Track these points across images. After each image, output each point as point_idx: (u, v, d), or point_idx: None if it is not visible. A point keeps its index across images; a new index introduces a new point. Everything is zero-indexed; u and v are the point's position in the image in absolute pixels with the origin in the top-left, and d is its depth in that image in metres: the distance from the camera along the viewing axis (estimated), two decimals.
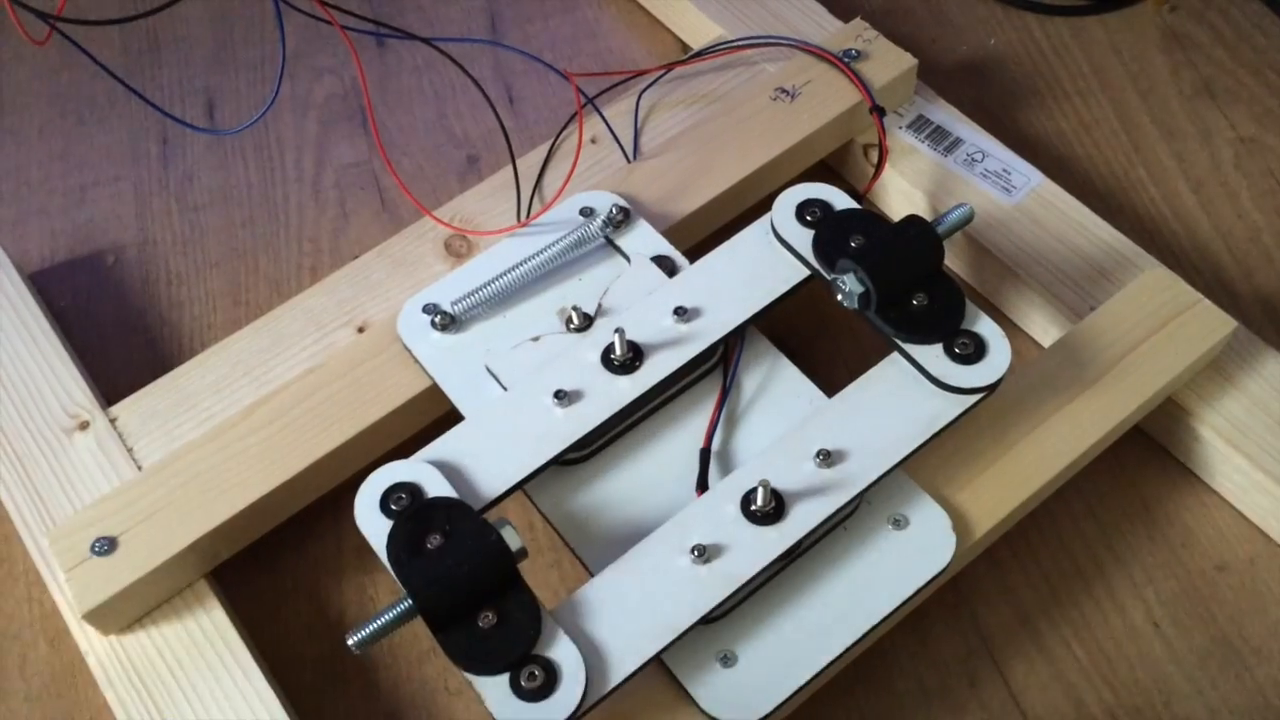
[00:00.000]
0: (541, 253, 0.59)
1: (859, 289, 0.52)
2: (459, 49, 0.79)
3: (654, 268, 0.58)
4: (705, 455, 0.53)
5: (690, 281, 0.56)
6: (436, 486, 0.49)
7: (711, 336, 0.54)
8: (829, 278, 0.54)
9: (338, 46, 0.79)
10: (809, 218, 0.57)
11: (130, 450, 0.58)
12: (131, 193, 0.74)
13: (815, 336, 0.65)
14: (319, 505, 0.58)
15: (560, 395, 0.52)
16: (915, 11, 0.82)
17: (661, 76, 0.71)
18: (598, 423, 0.52)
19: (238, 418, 0.57)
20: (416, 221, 0.66)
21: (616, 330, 0.53)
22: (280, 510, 0.56)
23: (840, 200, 0.57)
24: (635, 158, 0.67)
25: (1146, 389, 0.55)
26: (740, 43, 0.71)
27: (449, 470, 0.50)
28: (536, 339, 0.56)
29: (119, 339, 0.68)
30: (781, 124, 0.66)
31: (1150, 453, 0.60)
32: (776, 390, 0.56)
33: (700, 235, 0.65)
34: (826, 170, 0.72)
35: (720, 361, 0.57)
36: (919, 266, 0.53)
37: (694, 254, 0.60)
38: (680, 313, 0.54)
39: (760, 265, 0.56)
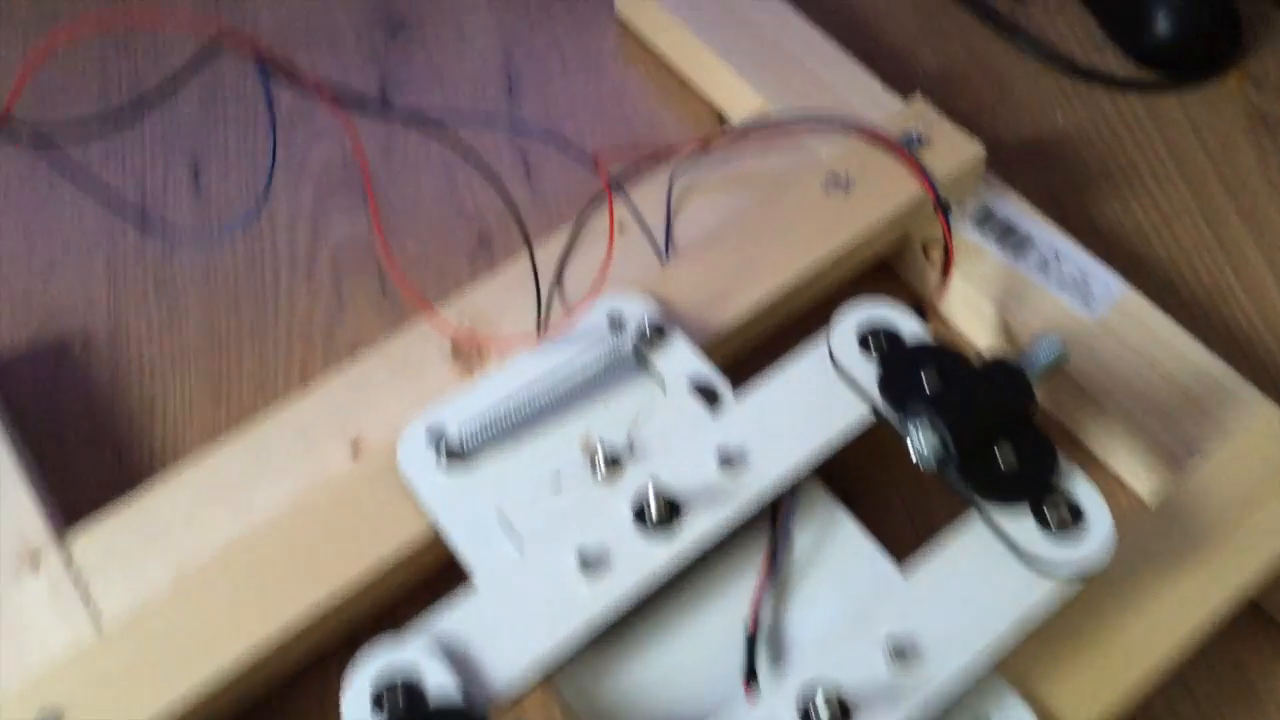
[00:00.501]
0: (563, 378, 0.51)
1: (936, 447, 0.44)
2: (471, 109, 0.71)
3: (693, 398, 0.51)
4: (751, 643, 0.45)
5: (737, 419, 0.49)
6: (438, 679, 0.41)
7: (763, 492, 0.47)
8: (898, 423, 0.47)
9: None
10: (872, 346, 0.49)
11: (88, 594, 0.50)
12: (104, 269, 0.67)
13: (867, 465, 0.57)
14: (301, 669, 0.51)
15: (586, 563, 0.45)
16: (973, 82, 0.74)
17: (696, 154, 0.63)
18: (630, 598, 0.44)
19: (210, 566, 0.49)
20: (420, 315, 0.58)
21: (650, 480, 0.45)
22: (255, 680, 0.49)
23: (908, 326, 0.50)
24: (668, 250, 0.59)
25: (1269, 561, 0.48)
26: (788, 119, 0.64)
27: (455, 655, 0.42)
28: (557, 485, 0.49)
29: (83, 443, 0.60)
30: (834, 217, 0.59)
31: (1258, 622, 0.53)
32: (834, 552, 0.48)
33: (742, 345, 0.58)
34: (883, 270, 0.64)
35: (770, 513, 0.49)
36: (1006, 419, 0.45)
37: (734, 370, 0.53)
38: (726, 460, 0.47)
39: (817, 400, 0.49)
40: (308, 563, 0.49)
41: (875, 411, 0.48)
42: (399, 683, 0.41)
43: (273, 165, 0.62)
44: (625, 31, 0.76)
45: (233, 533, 0.52)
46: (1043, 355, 0.48)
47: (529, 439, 0.51)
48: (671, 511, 0.46)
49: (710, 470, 0.47)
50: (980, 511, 0.45)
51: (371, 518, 0.50)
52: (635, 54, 0.75)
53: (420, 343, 0.58)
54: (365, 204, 0.67)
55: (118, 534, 0.52)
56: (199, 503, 0.53)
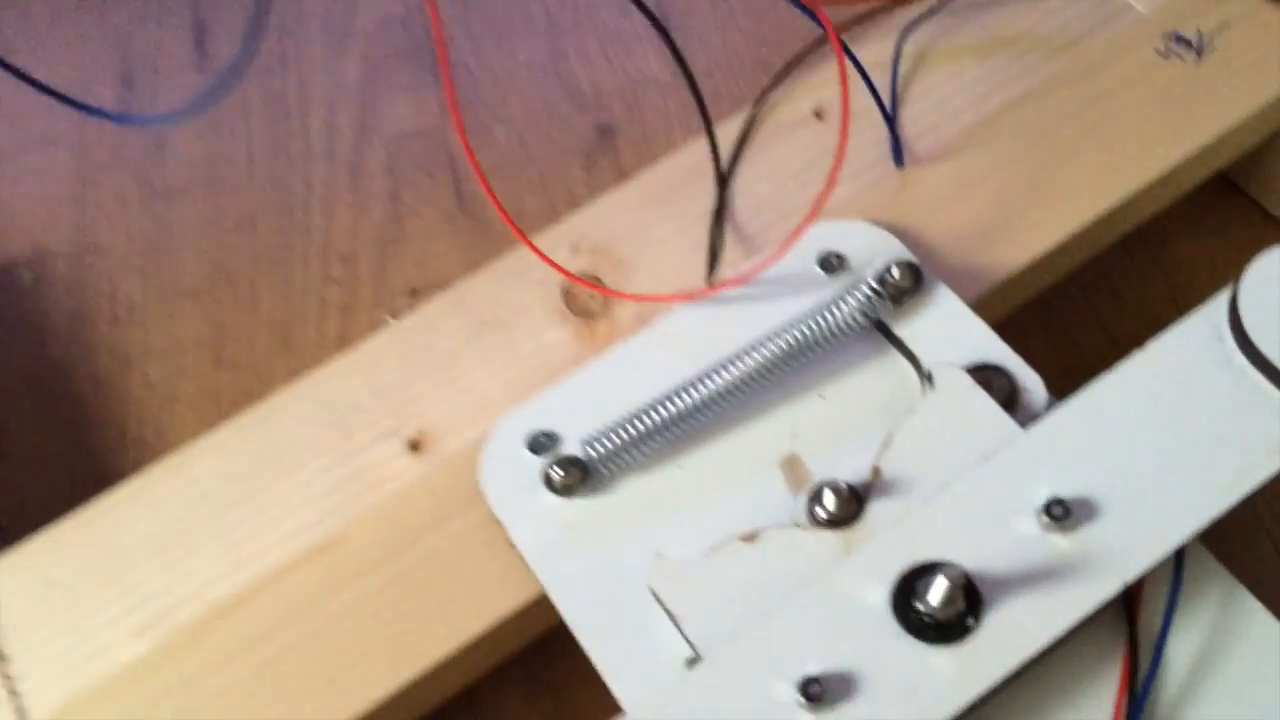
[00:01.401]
0: (755, 349, 0.31)
1: None
2: None
3: (978, 396, 0.30)
4: None
5: (1067, 438, 0.28)
6: None
7: (1127, 568, 0.26)
8: None
9: None
10: None
11: (6, 674, 0.32)
12: (67, 169, 0.47)
13: None
14: None
15: (814, 692, 0.25)
16: None
17: (941, 7, 0.42)
18: None
19: (183, 642, 0.30)
20: (518, 249, 0.38)
21: (920, 545, 0.25)
22: None
23: None
24: (903, 155, 0.38)
25: None
26: None
27: None
28: (751, 538, 0.28)
29: (24, 419, 0.42)
30: (1181, 99, 0.37)
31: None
32: (1229, 656, 0.28)
33: (1013, 302, 0.37)
34: (1219, 187, 0.42)
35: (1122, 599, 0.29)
36: None
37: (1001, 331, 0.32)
38: (1055, 511, 0.26)
39: (1216, 407, 0.28)
40: (334, 649, 0.30)
41: None
42: None
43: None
44: None
45: (227, 579, 0.33)
46: None
47: (697, 456, 0.31)
48: (969, 603, 0.26)
49: (1028, 529, 0.27)
50: None
51: (437, 566, 0.31)
52: None
53: (515, 285, 0.38)
54: (436, 79, 0.48)
55: (58, 568, 0.33)
56: (178, 528, 0.34)
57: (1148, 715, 0.28)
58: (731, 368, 0.31)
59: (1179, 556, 0.28)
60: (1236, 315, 0.28)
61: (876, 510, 0.28)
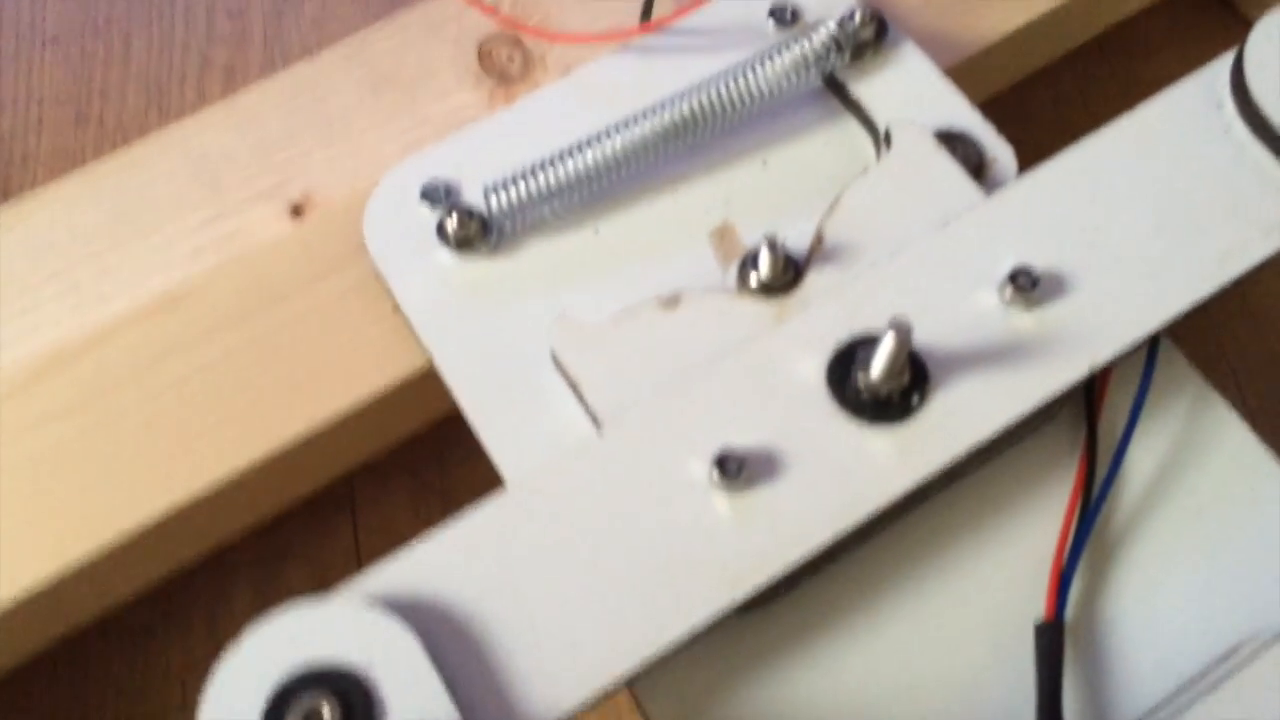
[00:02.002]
0: (686, 96, 0.26)
1: None
2: None
3: (943, 159, 0.26)
4: (1052, 634, 0.22)
5: (1038, 207, 0.24)
6: (409, 694, 0.18)
7: (1095, 353, 0.23)
8: None
9: None
10: None
11: None
12: None
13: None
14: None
15: (731, 466, 0.21)
16: None
17: None
18: (813, 540, 0.21)
19: (22, 385, 0.26)
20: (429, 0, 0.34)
21: (864, 313, 0.22)
22: (95, 596, 0.26)
23: None
24: None
25: None
26: None
27: (448, 643, 0.19)
28: (672, 302, 0.24)
29: None
30: None
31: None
32: (1196, 469, 0.25)
33: (984, 87, 0.33)
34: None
35: (1082, 393, 0.26)
36: None
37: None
38: (1019, 281, 0.23)
39: (1209, 176, 0.24)
40: (195, 400, 0.26)
41: None
42: (324, 696, 0.18)
43: None
44: None
45: (78, 330, 0.29)
46: None
47: (616, 219, 0.27)
48: (915, 380, 0.22)
49: (987, 302, 0.23)
50: None
51: (312, 330, 0.27)
52: None
53: (425, 38, 0.33)
54: None
55: None
56: (28, 274, 0.29)
57: (1101, 526, 0.25)
58: (657, 115, 0.26)
59: (1150, 354, 0.25)
60: (1241, 77, 0.24)
61: (817, 279, 0.25)
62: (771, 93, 0.27)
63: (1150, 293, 0.23)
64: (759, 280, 0.24)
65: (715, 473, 0.21)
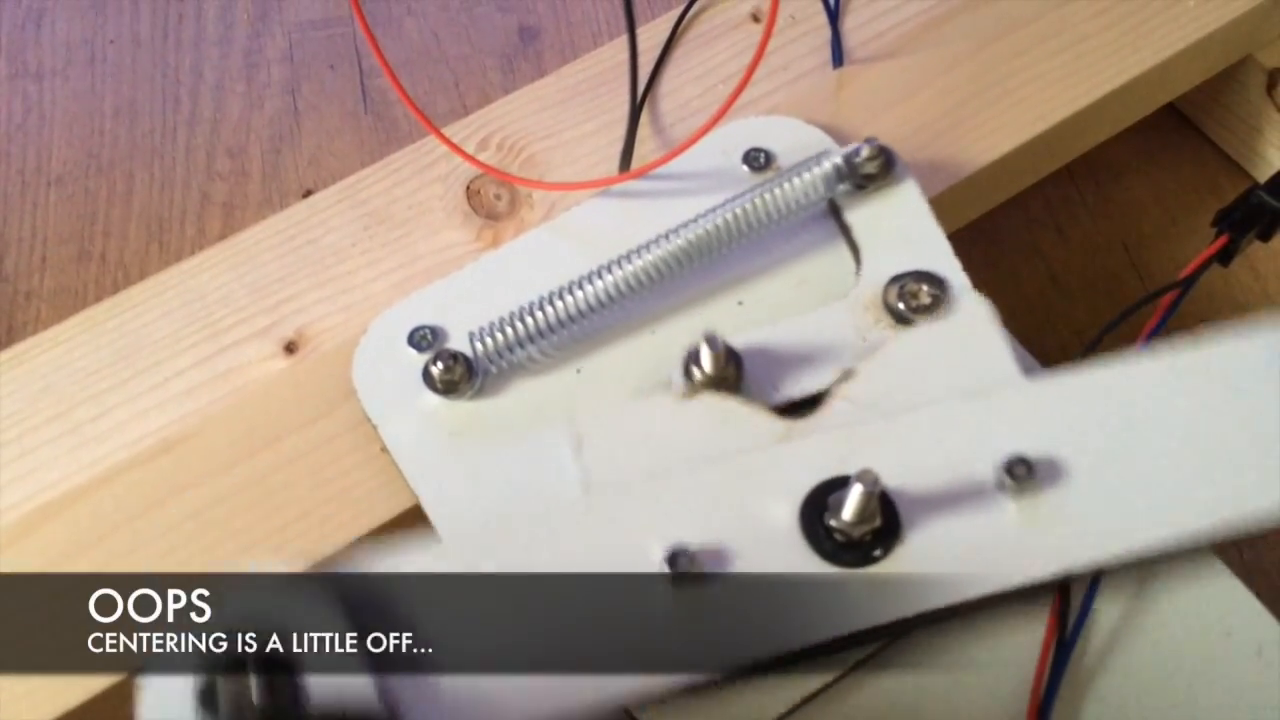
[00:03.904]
0: (670, 236, 0.28)
1: None
2: None
3: (1000, 335, 0.26)
4: None
5: (1071, 403, 0.24)
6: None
7: (1092, 560, 0.23)
8: None
9: None
10: None
11: None
12: None
13: None
14: None
15: (679, 560, 0.22)
16: None
17: None
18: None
19: (20, 533, 0.27)
20: (419, 141, 0.35)
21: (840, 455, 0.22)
22: None
23: None
24: (843, 55, 0.35)
25: None
26: None
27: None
28: (690, 392, 0.25)
29: None
30: (1141, 17, 0.34)
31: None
32: (1171, 599, 0.25)
33: (951, 220, 0.34)
34: (1176, 117, 0.40)
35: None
36: None
37: None
38: (1017, 470, 0.23)
39: (1244, 426, 0.24)
40: (179, 549, 0.26)
41: None
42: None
43: None
44: None
45: (64, 481, 0.29)
46: None
47: (597, 356, 0.28)
48: (882, 531, 0.23)
49: (980, 474, 0.23)
50: None
51: (303, 473, 0.27)
52: None
53: (416, 180, 0.34)
54: None
55: None
56: (17, 422, 0.30)
57: (1076, 661, 0.25)
58: (640, 256, 0.27)
59: None
60: None
61: (837, 412, 0.25)
62: (759, 229, 0.28)
63: (1146, 512, 0.23)
64: (704, 375, 0.25)
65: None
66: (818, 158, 0.28)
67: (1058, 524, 0.23)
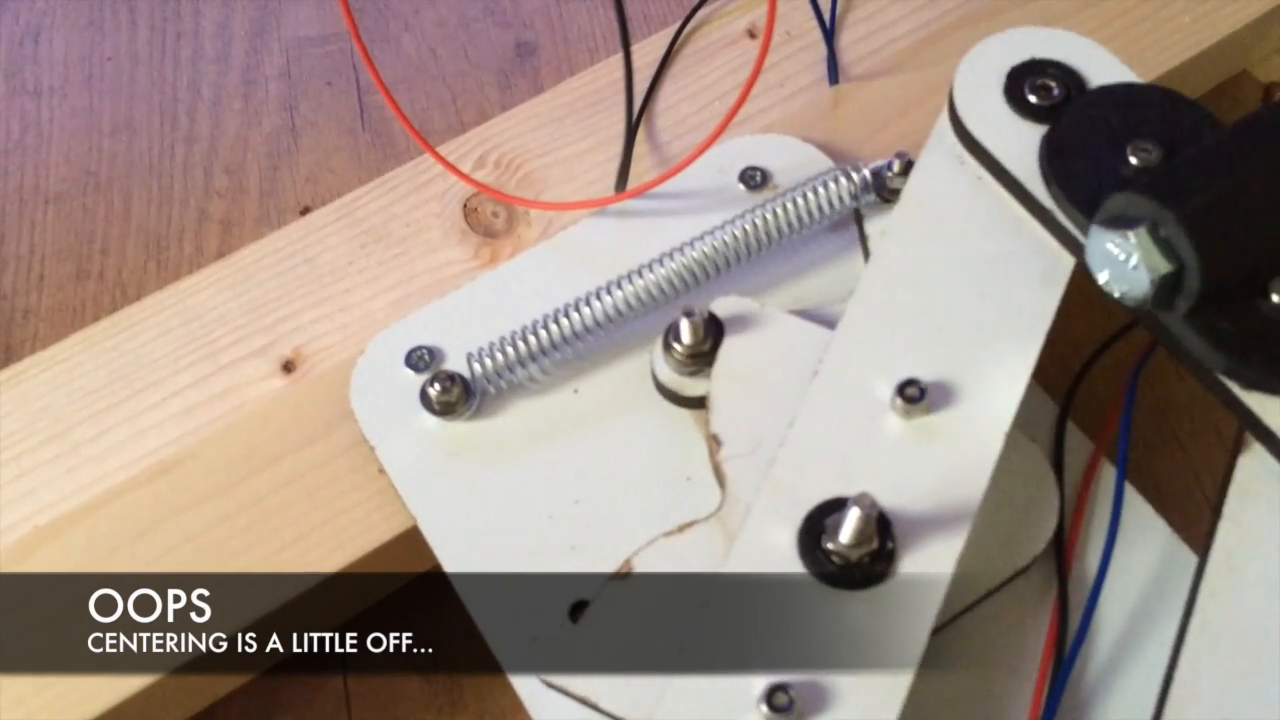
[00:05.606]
0: (669, 256, 0.28)
1: (1159, 267, 0.22)
2: None
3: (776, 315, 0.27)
4: None
5: (882, 323, 0.25)
6: None
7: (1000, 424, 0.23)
8: (1078, 232, 0.24)
9: None
10: (1034, 98, 0.26)
11: None
12: None
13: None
14: None
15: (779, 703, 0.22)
16: None
17: None
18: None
19: (18, 555, 0.27)
20: (417, 159, 0.35)
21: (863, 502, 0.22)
22: None
23: (1099, 64, 0.27)
24: (838, 73, 0.35)
25: None
26: None
27: None
28: (683, 529, 0.25)
29: None
30: (1131, 37, 0.35)
31: None
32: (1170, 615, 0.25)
33: None
34: None
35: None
36: None
37: None
38: (911, 393, 0.24)
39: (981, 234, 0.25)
40: (188, 567, 0.26)
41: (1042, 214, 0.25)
42: None
43: None
44: None
45: (62, 502, 0.29)
46: None
47: (594, 376, 0.28)
48: (882, 547, 0.23)
49: (891, 423, 0.24)
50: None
51: (300, 494, 0.27)
52: None
53: (414, 198, 0.35)
54: None
55: None
56: (15, 443, 0.30)
57: (1075, 678, 0.25)
58: (639, 276, 0.27)
59: (1116, 506, 0.26)
60: (956, 116, 0.26)
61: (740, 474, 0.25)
62: (771, 243, 0.28)
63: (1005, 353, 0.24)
64: (684, 348, 0.26)
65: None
66: (837, 171, 0.29)
67: (969, 407, 0.24)
